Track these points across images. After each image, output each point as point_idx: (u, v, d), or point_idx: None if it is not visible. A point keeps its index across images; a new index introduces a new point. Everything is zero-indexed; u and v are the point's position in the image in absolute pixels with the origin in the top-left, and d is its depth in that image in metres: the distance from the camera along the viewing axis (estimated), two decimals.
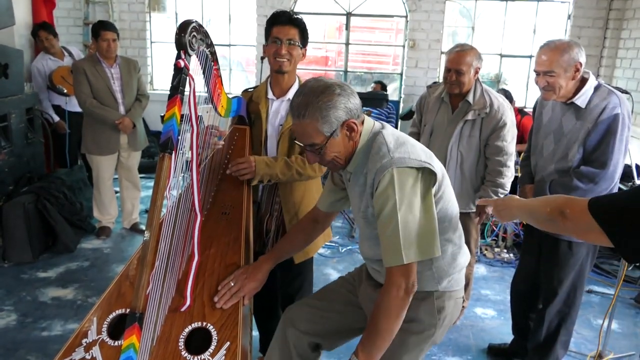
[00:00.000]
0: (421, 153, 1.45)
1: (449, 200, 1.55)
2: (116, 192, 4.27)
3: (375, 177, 1.42)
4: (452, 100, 2.78)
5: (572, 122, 2.18)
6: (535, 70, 2.19)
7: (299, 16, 1.99)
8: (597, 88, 2.15)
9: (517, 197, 1.52)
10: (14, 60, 3.98)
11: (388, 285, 1.41)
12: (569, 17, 6.15)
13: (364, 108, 3.90)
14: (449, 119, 2.76)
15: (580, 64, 2.10)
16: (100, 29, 3.76)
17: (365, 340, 1.42)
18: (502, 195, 2.75)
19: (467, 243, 2.90)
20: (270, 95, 2.09)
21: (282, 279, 2.31)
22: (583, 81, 2.15)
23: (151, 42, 6.84)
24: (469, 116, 2.66)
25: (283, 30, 1.94)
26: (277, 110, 2.10)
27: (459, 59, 2.62)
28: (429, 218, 1.40)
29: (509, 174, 2.68)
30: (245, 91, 2.23)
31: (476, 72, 2.67)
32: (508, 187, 2.71)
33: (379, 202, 1.40)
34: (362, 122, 1.50)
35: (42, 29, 4.49)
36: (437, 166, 1.48)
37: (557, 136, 2.25)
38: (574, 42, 2.11)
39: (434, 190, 1.45)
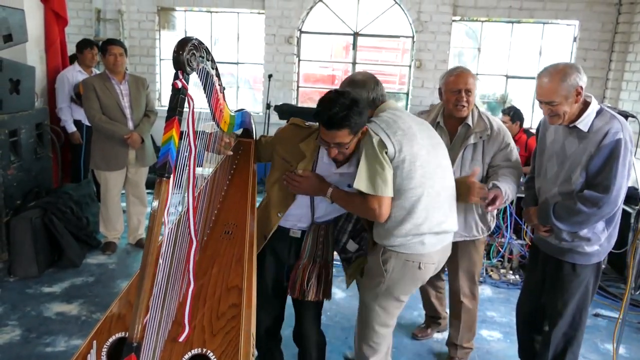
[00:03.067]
0: (397, 131, 1.91)
1: (410, 187, 1.92)
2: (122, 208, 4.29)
3: None
4: (449, 125, 2.64)
5: (575, 145, 2.19)
6: (537, 99, 2.20)
7: (343, 115, 1.82)
8: (600, 112, 2.16)
9: None
10: (26, 76, 4.05)
11: (367, 202, 1.89)
12: (574, 40, 6.18)
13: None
14: (447, 144, 2.55)
15: (581, 88, 2.09)
16: (107, 44, 3.91)
17: (343, 192, 2.01)
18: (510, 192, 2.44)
19: (471, 271, 2.77)
20: (325, 160, 2.07)
21: (298, 312, 2.30)
22: (585, 104, 2.16)
23: (160, 60, 6.95)
24: (471, 140, 2.53)
25: (329, 134, 1.87)
26: (328, 174, 2.07)
27: (467, 78, 2.51)
28: (381, 165, 1.86)
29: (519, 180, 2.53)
30: (298, 127, 2.14)
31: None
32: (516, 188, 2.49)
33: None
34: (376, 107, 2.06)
35: (97, 45, 4.81)
36: (405, 146, 1.90)
37: (560, 159, 2.25)
38: (571, 66, 2.10)
39: (391, 157, 1.88)
